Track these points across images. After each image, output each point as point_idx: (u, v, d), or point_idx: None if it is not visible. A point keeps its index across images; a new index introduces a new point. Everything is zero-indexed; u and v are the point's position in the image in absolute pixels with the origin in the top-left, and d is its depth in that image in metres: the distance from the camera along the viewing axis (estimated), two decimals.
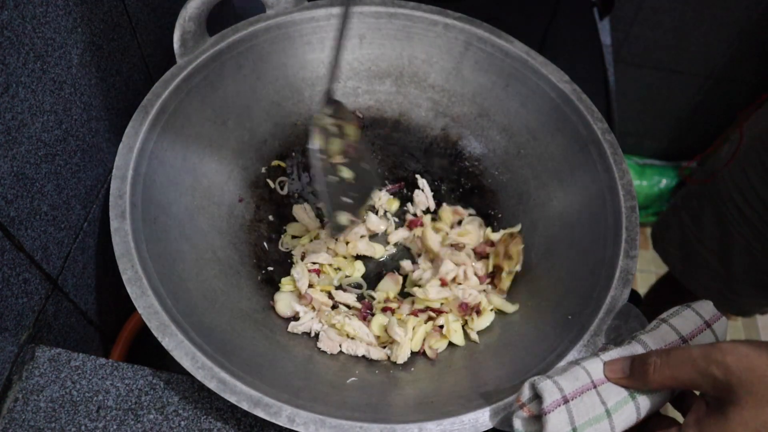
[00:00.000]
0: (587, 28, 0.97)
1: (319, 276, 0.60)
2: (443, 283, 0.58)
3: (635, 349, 0.44)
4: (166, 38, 0.65)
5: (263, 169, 0.65)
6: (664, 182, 1.71)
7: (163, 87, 0.57)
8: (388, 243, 0.64)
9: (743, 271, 0.91)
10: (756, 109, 0.88)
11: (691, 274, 1.01)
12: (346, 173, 0.55)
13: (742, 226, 0.87)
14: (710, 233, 0.93)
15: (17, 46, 0.43)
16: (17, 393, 0.48)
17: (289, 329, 0.56)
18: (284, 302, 0.58)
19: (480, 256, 0.62)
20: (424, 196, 0.66)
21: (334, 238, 0.61)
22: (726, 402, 0.37)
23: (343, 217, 0.55)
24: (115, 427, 0.48)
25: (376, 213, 0.65)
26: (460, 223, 0.65)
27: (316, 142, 0.53)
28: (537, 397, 0.42)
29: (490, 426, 0.44)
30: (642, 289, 1.46)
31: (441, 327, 0.56)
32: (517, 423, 0.43)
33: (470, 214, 0.65)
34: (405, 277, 0.62)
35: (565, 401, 0.41)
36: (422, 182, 0.67)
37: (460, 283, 0.59)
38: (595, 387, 0.42)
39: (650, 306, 1.19)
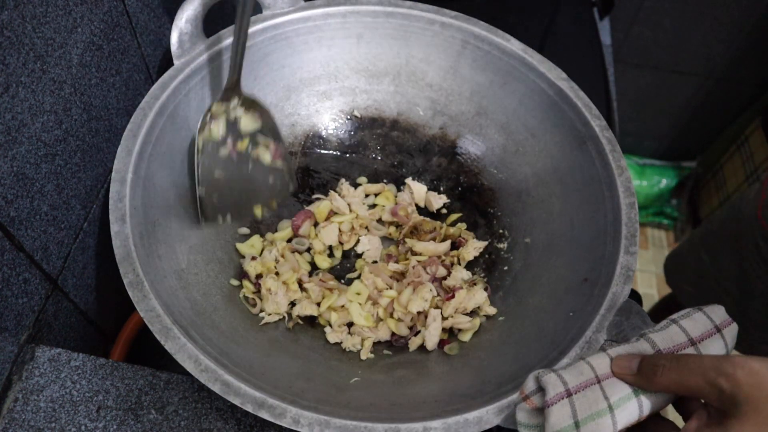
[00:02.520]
0: (587, 28, 0.97)
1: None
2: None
3: (643, 347, 0.44)
4: (166, 38, 0.65)
5: None
6: (664, 182, 1.71)
7: (161, 89, 0.57)
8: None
9: (760, 317, 0.89)
10: None
11: None
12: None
13: (763, 273, 0.86)
14: (729, 275, 0.91)
15: (17, 46, 0.43)
16: (17, 393, 0.48)
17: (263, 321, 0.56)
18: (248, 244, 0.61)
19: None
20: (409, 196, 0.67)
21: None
22: (728, 415, 0.37)
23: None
24: (115, 427, 0.48)
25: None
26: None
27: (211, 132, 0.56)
28: (541, 389, 0.42)
29: (494, 423, 0.44)
30: (642, 289, 1.46)
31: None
32: (521, 415, 0.43)
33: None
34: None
35: (569, 395, 0.41)
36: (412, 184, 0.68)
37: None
38: (599, 382, 0.42)
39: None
